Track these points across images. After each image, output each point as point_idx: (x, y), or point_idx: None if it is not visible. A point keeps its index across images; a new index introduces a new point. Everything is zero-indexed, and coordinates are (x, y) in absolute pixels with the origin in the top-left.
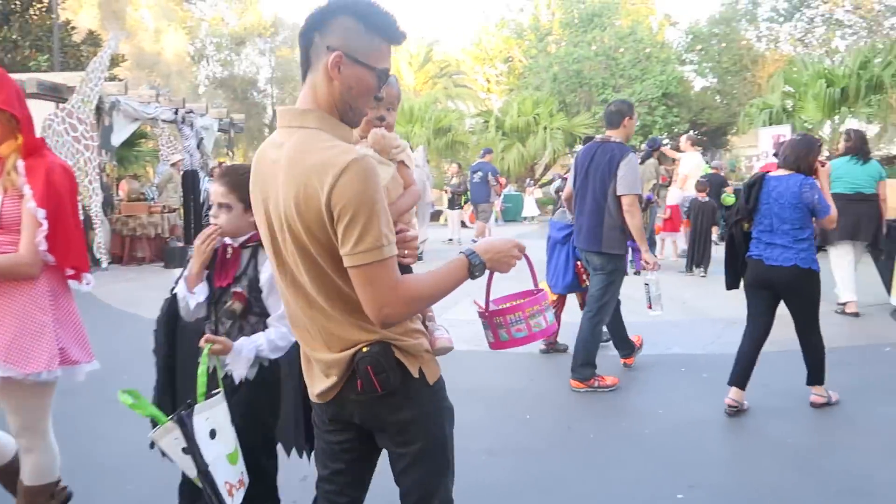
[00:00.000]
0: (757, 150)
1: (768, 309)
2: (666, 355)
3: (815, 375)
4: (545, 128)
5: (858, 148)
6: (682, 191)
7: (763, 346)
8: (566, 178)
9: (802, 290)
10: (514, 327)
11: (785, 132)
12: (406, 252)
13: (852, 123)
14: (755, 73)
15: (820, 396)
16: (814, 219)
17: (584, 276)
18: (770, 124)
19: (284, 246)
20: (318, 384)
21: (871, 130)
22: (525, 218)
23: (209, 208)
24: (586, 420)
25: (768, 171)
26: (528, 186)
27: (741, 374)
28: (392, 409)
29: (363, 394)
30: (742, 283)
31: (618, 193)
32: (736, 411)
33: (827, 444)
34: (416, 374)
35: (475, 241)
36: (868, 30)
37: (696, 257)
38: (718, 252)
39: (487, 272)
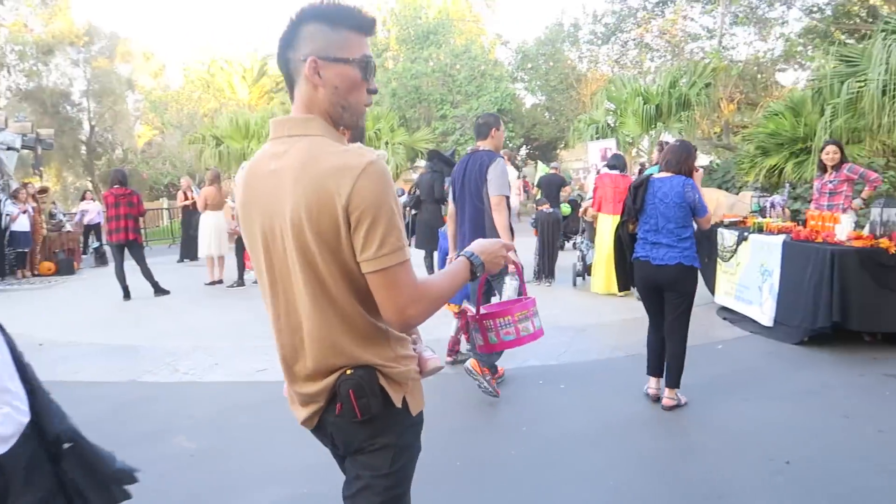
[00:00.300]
0: (586, 162)
1: (658, 307)
2: (523, 368)
3: (675, 376)
4: (387, 143)
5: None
6: None
7: None
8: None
9: (685, 287)
10: (503, 330)
11: (610, 145)
12: None
13: (666, 137)
14: (579, 90)
15: (671, 399)
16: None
17: None
18: (597, 138)
19: (285, 258)
20: (301, 411)
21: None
22: None
23: (12, 234)
24: (450, 445)
25: (652, 174)
26: None
27: (656, 363)
28: (368, 435)
29: (341, 417)
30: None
31: (490, 195)
32: (658, 398)
33: (684, 448)
34: (398, 404)
35: None
36: (672, 53)
37: (544, 267)
38: (563, 260)
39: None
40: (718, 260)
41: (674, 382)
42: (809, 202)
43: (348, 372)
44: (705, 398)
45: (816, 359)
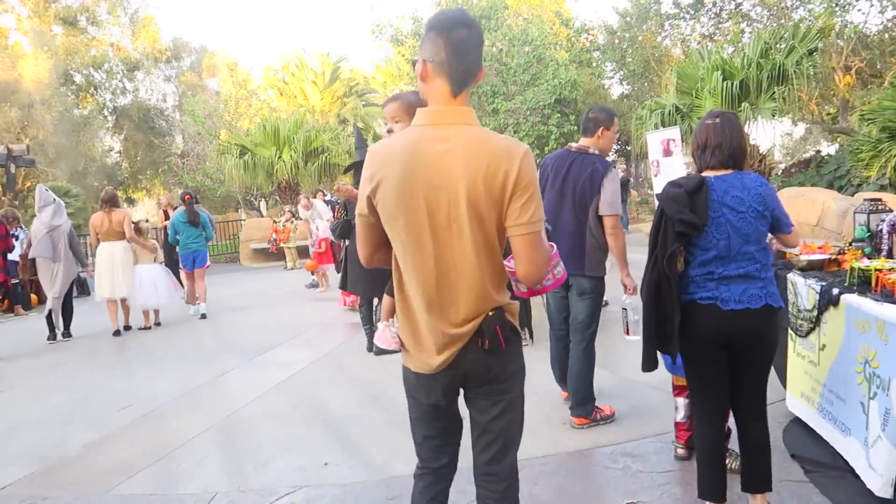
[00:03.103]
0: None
1: (724, 376)
2: None
3: (769, 473)
4: None
5: None
6: None
7: None
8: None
9: (774, 340)
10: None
11: (674, 135)
12: None
13: (757, 121)
14: (660, 73)
15: None
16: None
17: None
18: (663, 126)
19: (449, 224)
20: (436, 357)
21: (780, 127)
22: None
23: None
24: None
25: (705, 174)
26: None
27: (721, 479)
28: (503, 362)
29: (487, 351)
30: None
31: (601, 213)
32: None
33: None
34: (519, 333)
35: None
36: (777, 24)
37: None
38: None
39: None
40: (790, 331)
41: (768, 483)
42: None
43: (490, 313)
44: None
45: None
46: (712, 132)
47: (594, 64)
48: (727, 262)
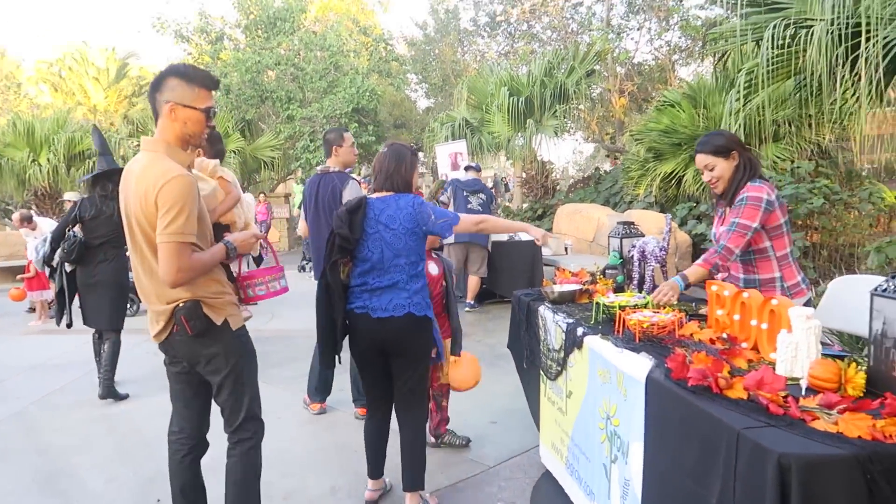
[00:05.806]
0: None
1: (387, 375)
2: None
3: (416, 474)
4: None
5: None
6: None
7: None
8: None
9: (416, 346)
10: (256, 287)
11: (461, 149)
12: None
13: (542, 138)
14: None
15: None
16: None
17: None
18: (454, 139)
19: (134, 231)
20: (153, 328)
21: (572, 146)
22: None
23: None
24: None
25: (374, 195)
26: None
27: (377, 460)
28: (203, 346)
29: (180, 335)
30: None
31: None
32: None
33: None
34: (219, 322)
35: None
36: (563, 46)
37: None
38: None
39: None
40: (541, 373)
41: (415, 482)
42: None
43: (180, 304)
44: None
45: None
46: (379, 160)
47: (394, 74)
48: (381, 273)
